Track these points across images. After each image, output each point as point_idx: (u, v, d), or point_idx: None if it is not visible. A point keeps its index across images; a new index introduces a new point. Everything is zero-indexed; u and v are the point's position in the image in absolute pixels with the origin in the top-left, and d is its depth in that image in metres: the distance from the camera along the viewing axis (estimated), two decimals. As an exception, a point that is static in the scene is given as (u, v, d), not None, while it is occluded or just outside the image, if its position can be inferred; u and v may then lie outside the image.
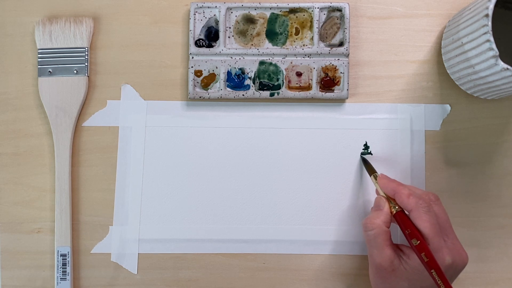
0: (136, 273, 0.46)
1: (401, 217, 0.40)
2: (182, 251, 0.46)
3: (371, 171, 0.44)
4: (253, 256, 0.47)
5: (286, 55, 0.47)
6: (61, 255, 0.45)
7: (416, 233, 0.38)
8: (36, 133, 0.47)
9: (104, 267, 0.46)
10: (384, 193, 0.42)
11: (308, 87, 0.47)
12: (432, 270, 0.36)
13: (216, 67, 0.47)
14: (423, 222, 0.38)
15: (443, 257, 0.38)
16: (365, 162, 0.46)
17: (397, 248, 0.40)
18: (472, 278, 0.46)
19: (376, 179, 0.43)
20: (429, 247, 0.38)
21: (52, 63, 0.47)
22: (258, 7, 0.47)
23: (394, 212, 0.40)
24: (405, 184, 0.42)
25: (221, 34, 0.47)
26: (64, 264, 0.45)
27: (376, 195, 0.43)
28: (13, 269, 0.46)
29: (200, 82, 0.47)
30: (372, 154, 0.47)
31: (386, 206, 0.41)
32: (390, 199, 0.41)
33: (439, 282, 0.36)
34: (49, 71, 0.47)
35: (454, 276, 0.40)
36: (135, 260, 0.46)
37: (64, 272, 0.45)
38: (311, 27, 0.47)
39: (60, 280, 0.45)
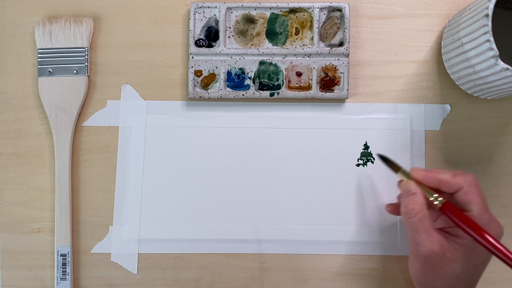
0: (136, 273, 0.46)
1: (449, 207, 0.38)
2: (182, 251, 0.46)
3: (396, 168, 0.42)
4: (253, 256, 0.47)
5: (286, 55, 0.47)
6: (61, 255, 0.45)
7: (469, 219, 0.37)
8: (36, 133, 0.47)
9: (104, 267, 0.46)
10: (423, 186, 0.40)
11: (308, 87, 0.47)
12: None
13: (216, 67, 0.47)
14: (475, 197, 0.38)
15: (494, 230, 0.38)
16: (385, 160, 0.43)
17: (440, 231, 0.39)
18: (472, 278, 0.46)
19: (405, 175, 0.41)
20: (482, 222, 0.37)
21: (52, 63, 0.47)
22: (258, 7, 0.47)
23: (439, 204, 0.38)
24: (437, 169, 0.40)
25: (221, 34, 0.47)
26: (64, 264, 0.45)
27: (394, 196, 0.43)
28: (13, 269, 0.46)
29: (200, 82, 0.47)
30: (374, 159, 0.47)
31: (418, 190, 0.39)
32: (429, 190, 0.39)
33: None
34: (49, 71, 0.47)
35: None
36: (135, 260, 0.46)
37: (64, 272, 0.45)
38: (311, 27, 0.47)
39: (60, 280, 0.45)
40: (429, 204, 0.39)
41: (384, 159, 0.43)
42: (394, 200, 0.45)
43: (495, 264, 0.47)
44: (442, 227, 0.40)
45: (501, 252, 0.35)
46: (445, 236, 0.39)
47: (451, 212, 0.38)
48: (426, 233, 0.38)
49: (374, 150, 0.47)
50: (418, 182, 0.40)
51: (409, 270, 0.41)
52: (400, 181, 0.41)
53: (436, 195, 0.39)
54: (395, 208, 0.44)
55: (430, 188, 0.40)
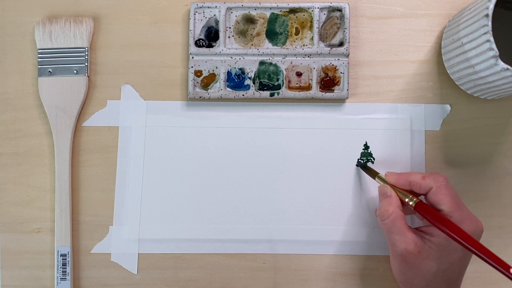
0: (136, 273, 0.46)
1: (422, 206, 0.39)
2: (182, 251, 0.46)
3: (373, 173, 0.44)
4: (253, 256, 0.47)
5: (286, 55, 0.47)
6: (61, 255, 0.45)
7: (443, 216, 0.38)
8: (36, 133, 0.47)
9: (104, 267, 0.46)
10: (396, 187, 0.41)
11: (308, 87, 0.47)
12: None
13: (216, 67, 0.47)
14: (445, 196, 0.39)
15: (467, 228, 0.38)
16: (365, 168, 0.46)
17: (416, 230, 0.40)
18: (472, 278, 0.46)
19: (382, 180, 0.43)
20: (453, 219, 0.38)
21: (52, 63, 0.47)
22: (258, 7, 0.47)
23: (413, 204, 0.40)
24: (411, 172, 0.42)
25: (221, 34, 0.47)
26: (64, 264, 0.45)
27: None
28: (13, 269, 0.46)
29: (200, 82, 0.47)
30: (374, 159, 0.47)
31: (392, 192, 0.41)
32: (404, 192, 0.41)
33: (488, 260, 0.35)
34: (49, 71, 0.47)
35: None
36: (135, 260, 0.46)
37: (64, 272, 0.45)
38: (311, 27, 0.47)
39: (60, 280, 0.45)
40: (408, 206, 0.41)
41: (362, 166, 0.46)
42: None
43: (495, 264, 0.47)
44: (419, 227, 0.41)
45: (468, 242, 0.35)
46: (420, 235, 0.40)
47: (423, 211, 0.39)
48: (399, 234, 0.39)
49: (374, 150, 0.47)
50: (394, 186, 0.42)
51: (392, 270, 0.42)
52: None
53: (411, 196, 0.40)
54: None
55: (406, 191, 0.41)
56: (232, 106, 0.47)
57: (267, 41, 0.47)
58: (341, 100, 0.48)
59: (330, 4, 0.47)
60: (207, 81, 0.47)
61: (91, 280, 0.46)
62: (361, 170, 0.47)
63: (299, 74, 0.47)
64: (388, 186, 0.41)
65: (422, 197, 0.42)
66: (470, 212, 0.40)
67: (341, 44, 0.47)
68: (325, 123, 0.47)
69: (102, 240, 0.46)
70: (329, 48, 0.47)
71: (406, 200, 0.40)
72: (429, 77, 0.48)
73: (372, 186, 0.47)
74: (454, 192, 0.40)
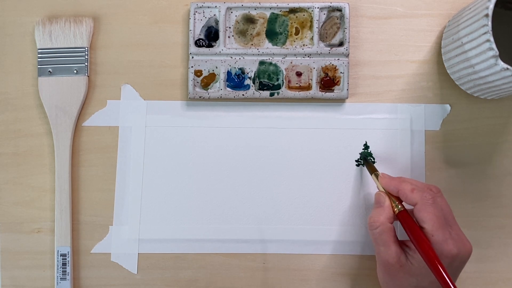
0: (136, 273, 0.46)
1: (404, 217, 0.39)
2: (182, 251, 0.46)
3: (372, 169, 0.44)
4: (253, 256, 0.47)
5: (286, 55, 0.47)
6: (61, 255, 0.45)
7: (419, 233, 0.38)
8: (36, 133, 0.47)
9: (104, 267, 0.46)
10: (387, 192, 0.41)
11: (308, 87, 0.47)
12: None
13: (216, 67, 0.47)
14: (428, 214, 0.38)
15: (449, 249, 0.38)
16: (366, 161, 0.46)
17: (403, 244, 0.40)
18: (472, 278, 0.46)
19: (377, 178, 0.43)
20: (434, 239, 0.37)
21: (52, 63, 0.47)
22: (258, 7, 0.47)
23: (397, 211, 0.40)
24: (406, 179, 0.41)
25: (221, 34, 0.47)
26: (64, 264, 0.45)
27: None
28: (13, 269, 0.46)
29: (200, 82, 0.47)
30: (374, 159, 0.47)
31: (386, 201, 0.41)
32: (393, 198, 0.41)
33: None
34: (49, 71, 0.47)
35: (460, 267, 0.39)
36: (135, 260, 0.46)
37: (64, 272, 0.45)
38: (311, 27, 0.47)
39: (60, 280, 0.45)
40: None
41: (364, 158, 0.46)
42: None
43: (495, 264, 0.47)
44: (406, 240, 0.41)
45: (432, 266, 0.35)
46: (405, 250, 0.40)
47: (404, 222, 0.39)
48: (384, 246, 0.39)
49: (374, 150, 0.47)
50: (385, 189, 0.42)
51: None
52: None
53: (397, 202, 0.40)
54: None
55: (396, 197, 0.41)
56: (232, 106, 0.47)
57: (267, 41, 0.47)
58: (341, 100, 0.48)
59: (330, 4, 0.47)
60: (207, 81, 0.47)
61: (91, 280, 0.46)
62: (362, 169, 0.47)
63: (299, 74, 0.47)
64: (383, 194, 0.41)
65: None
66: (459, 233, 0.39)
67: (341, 44, 0.47)
68: (325, 123, 0.47)
69: (102, 240, 0.46)
70: (329, 48, 0.47)
71: (393, 205, 0.40)
72: (429, 77, 0.48)
73: (372, 186, 0.47)
74: (443, 209, 0.39)
